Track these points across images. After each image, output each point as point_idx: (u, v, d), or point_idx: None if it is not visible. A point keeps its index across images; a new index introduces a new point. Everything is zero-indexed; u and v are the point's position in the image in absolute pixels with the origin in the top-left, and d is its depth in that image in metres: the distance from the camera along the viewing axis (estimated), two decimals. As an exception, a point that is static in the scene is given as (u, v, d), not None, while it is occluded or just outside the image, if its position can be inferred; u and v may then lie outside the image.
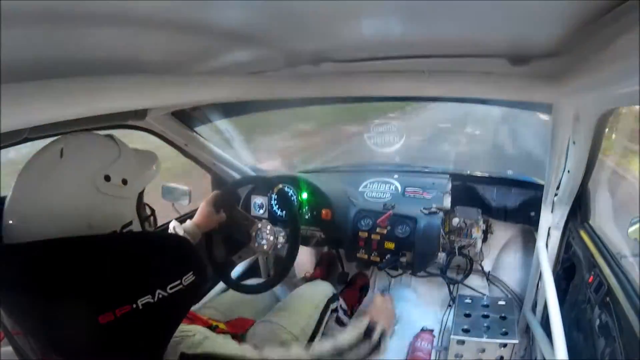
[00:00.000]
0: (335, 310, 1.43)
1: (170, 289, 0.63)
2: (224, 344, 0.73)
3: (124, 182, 0.71)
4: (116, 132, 0.81)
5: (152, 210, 0.87)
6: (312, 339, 1.24)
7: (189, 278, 0.66)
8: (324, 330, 1.32)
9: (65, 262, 0.59)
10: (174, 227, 1.19)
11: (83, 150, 0.69)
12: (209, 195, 1.29)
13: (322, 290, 1.44)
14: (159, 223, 0.92)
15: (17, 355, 0.69)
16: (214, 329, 0.98)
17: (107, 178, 0.68)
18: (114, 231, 0.71)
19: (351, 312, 1.73)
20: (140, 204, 0.79)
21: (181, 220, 1.26)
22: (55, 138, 0.71)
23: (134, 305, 0.59)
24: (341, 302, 1.49)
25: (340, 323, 1.50)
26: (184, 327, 0.71)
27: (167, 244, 0.70)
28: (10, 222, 0.64)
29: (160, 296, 0.62)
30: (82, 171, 0.67)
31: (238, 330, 1.09)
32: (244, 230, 1.33)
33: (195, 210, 1.28)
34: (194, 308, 1.16)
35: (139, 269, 0.63)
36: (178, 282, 0.64)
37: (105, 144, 0.73)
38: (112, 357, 0.62)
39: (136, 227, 0.76)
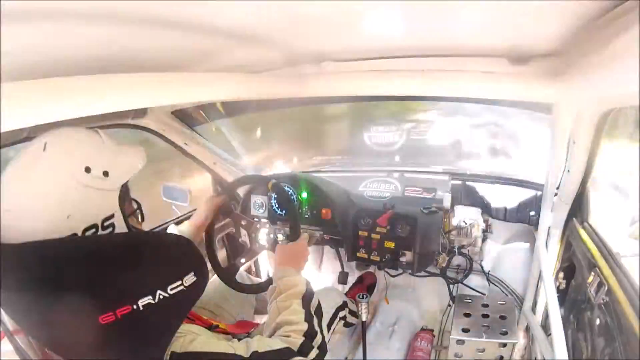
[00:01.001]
0: (343, 317, 1.44)
1: (171, 289, 0.63)
2: (214, 342, 0.73)
3: (105, 174, 0.71)
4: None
5: (139, 205, 0.86)
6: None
7: (190, 278, 0.66)
8: (330, 337, 1.33)
9: (66, 262, 0.59)
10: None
11: (65, 143, 0.70)
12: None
13: (332, 298, 1.44)
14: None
15: (17, 354, 0.69)
16: (213, 328, 0.98)
17: (88, 170, 0.69)
18: (95, 224, 0.71)
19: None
20: (124, 198, 0.79)
21: (178, 222, 1.25)
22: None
23: (135, 306, 0.59)
24: (349, 304, 1.50)
25: (348, 325, 1.50)
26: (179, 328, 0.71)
27: (168, 245, 0.70)
28: None
29: (161, 297, 0.62)
30: (63, 163, 0.67)
31: (241, 331, 1.09)
32: (244, 232, 1.33)
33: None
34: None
35: (140, 269, 0.63)
36: (179, 282, 0.64)
37: (88, 137, 0.73)
38: (113, 357, 0.63)
39: (118, 220, 0.75)
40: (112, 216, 0.74)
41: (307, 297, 0.89)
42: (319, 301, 0.92)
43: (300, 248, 1.08)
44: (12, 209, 0.63)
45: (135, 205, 0.85)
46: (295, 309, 0.85)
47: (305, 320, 0.83)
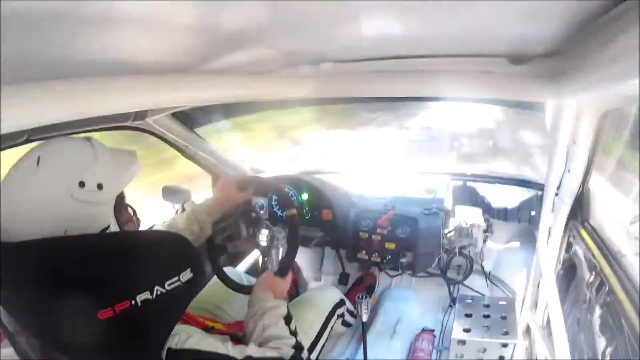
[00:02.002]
0: (341, 315, 1.44)
1: (169, 285, 0.64)
2: (209, 341, 0.74)
3: (99, 186, 0.70)
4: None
5: (134, 212, 0.86)
6: (315, 343, 1.24)
7: (186, 275, 0.67)
8: (329, 334, 1.33)
9: (65, 259, 0.60)
10: (192, 203, 1.16)
11: (58, 157, 0.69)
12: None
13: (329, 295, 1.44)
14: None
15: (17, 355, 0.69)
16: (209, 330, 0.98)
17: (82, 184, 0.68)
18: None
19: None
20: (119, 207, 0.78)
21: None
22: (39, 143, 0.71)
23: (133, 302, 0.60)
24: (348, 304, 1.49)
25: (346, 325, 1.50)
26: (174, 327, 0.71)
27: (164, 242, 0.71)
28: None
29: (159, 293, 0.63)
30: (57, 179, 0.66)
31: (238, 331, 1.09)
32: (244, 233, 1.32)
33: None
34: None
35: (138, 266, 0.63)
36: (176, 278, 0.65)
37: (80, 149, 0.72)
38: (113, 352, 0.63)
39: (115, 230, 0.76)
40: (108, 227, 0.74)
41: (288, 319, 0.92)
42: (296, 326, 0.95)
43: (285, 285, 1.09)
44: (8, 227, 0.63)
45: (130, 212, 0.85)
46: (282, 327, 0.89)
47: (292, 335, 0.87)
